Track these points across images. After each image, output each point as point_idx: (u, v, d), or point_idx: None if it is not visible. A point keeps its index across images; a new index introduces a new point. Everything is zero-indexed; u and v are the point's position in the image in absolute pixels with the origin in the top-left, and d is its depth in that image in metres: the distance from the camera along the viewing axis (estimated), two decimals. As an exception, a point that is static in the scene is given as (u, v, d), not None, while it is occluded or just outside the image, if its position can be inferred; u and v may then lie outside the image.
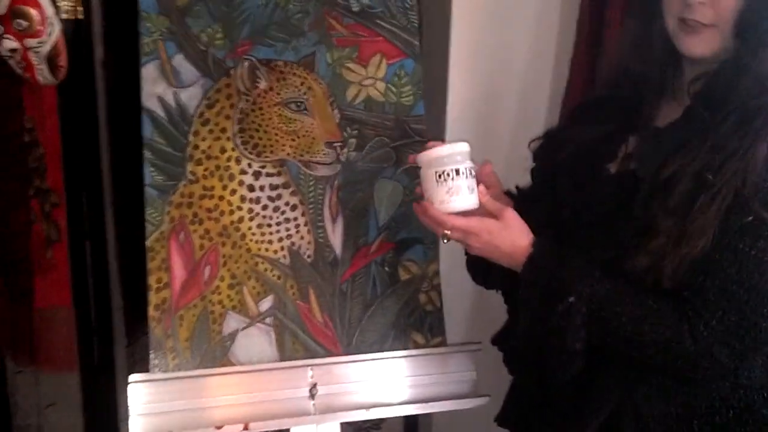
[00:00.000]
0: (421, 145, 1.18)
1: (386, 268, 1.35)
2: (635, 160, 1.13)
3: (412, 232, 1.37)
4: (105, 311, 1.58)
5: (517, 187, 1.33)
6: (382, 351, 1.31)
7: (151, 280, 1.25)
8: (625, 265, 1.06)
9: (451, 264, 1.40)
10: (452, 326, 1.37)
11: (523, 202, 1.26)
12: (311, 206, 1.33)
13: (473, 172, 1.11)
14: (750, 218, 0.99)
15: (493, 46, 1.78)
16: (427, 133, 1.41)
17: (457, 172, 1.09)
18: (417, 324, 1.34)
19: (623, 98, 1.22)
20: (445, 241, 1.12)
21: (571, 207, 1.18)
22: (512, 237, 1.10)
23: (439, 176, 1.09)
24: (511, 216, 1.11)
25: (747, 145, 1.01)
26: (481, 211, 1.11)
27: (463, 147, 1.11)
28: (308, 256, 1.32)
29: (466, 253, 1.25)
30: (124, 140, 1.46)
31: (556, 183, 1.21)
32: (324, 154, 1.35)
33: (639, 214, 1.07)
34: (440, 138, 1.58)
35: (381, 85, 1.40)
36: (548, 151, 1.27)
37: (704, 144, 1.05)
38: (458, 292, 1.54)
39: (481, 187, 1.11)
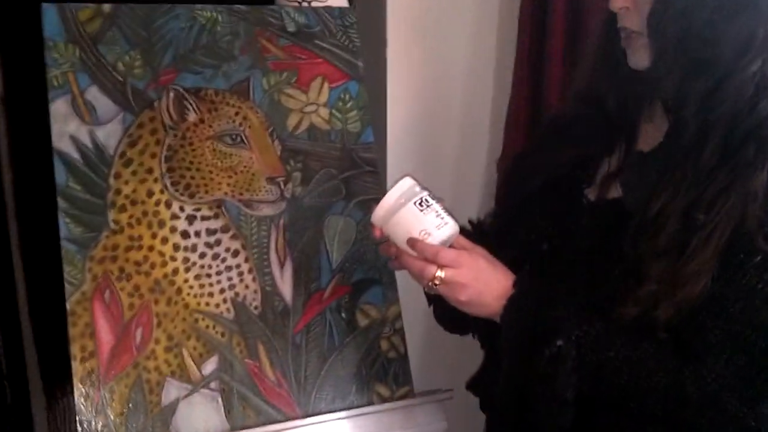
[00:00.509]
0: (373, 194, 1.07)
1: (343, 315, 1.21)
2: (622, 190, 1.02)
3: (369, 273, 1.24)
4: (21, 388, 1.39)
5: (471, 222, 1.22)
6: (344, 409, 1.17)
7: (75, 349, 1.07)
8: (612, 313, 0.96)
9: (412, 303, 1.27)
10: (419, 372, 1.24)
11: (483, 236, 1.14)
12: (255, 251, 1.18)
13: None
14: (758, 258, 0.89)
15: (431, 65, 1.67)
16: (382, 160, 1.29)
17: (430, 197, 1.00)
18: (380, 374, 1.21)
19: (595, 117, 1.12)
20: (436, 283, 0.98)
21: (549, 240, 1.07)
22: (498, 274, 0.98)
23: (420, 204, 0.98)
24: (483, 251, 1.00)
25: (742, 176, 0.91)
26: None
27: (408, 180, 1.02)
28: (255, 308, 1.17)
29: (431, 301, 1.13)
30: (32, 188, 1.28)
31: (530, 213, 1.10)
32: (266, 191, 1.20)
33: (628, 254, 0.96)
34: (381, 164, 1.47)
35: (324, 112, 1.27)
36: (518, 177, 1.17)
37: (686, 176, 0.95)
38: (423, 335, 1.41)
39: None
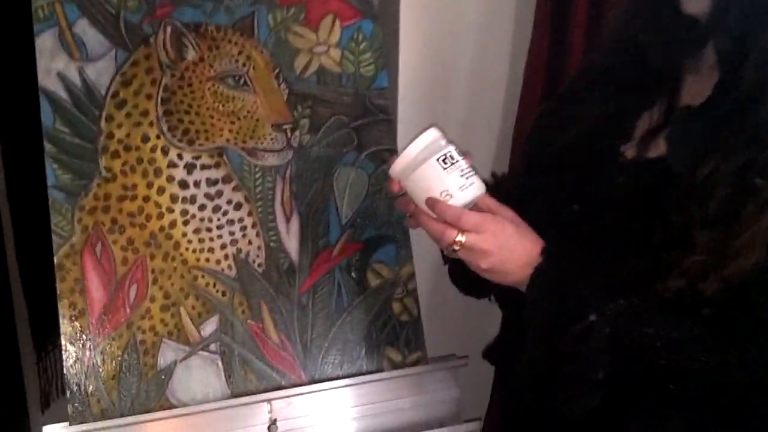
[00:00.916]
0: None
1: (352, 274, 1.13)
2: (667, 147, 0.92)
3: (381, 229, 1.15)
4: (9, 347, 1.31)
5: (493, 175, 1.12)
6: (352, 374, 1.09)
7: (63, 307, 0.99)
8: (651, 285, 0.87)
9: (427, 263, 1.19)
10: (433, 337, 1.16)
11: (506, 195, 1.05)
12: (259, 203, 1.09)
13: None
14: None
15: (448, 2, 1.55)
16: (393, 109, 1.19)
17: (456, 153, 0.90)
18: (391, 338, 1.13)
19: (633, 66, 1.01)
20: (455, 249, 0.89)
21: (580, 201, 0.97)
22: (525, 241, 0.90)
23: (444, 160, 0.88)
24: (511, 212, 0.91)
25: None
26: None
27: (434, 131, 0.92)
28: (258, 265, 1.08)
29: (446, 260, 1.04)
30: (18, 130, 1.18)
31: (559, 170, 1.01)
32: (271, 138, 1.11)
33: (672, 220, 0.87)
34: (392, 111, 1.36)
35: (335, 53, 1.16)
36: (545, 131, 1.06)
37: (741, 135, 0.85)
38: (438, 296, 1.33)
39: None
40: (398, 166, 0.92)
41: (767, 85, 0.85)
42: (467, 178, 0.89)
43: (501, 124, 1.56)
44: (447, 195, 0.89)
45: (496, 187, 1.08)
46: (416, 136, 0.91)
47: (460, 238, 0.88)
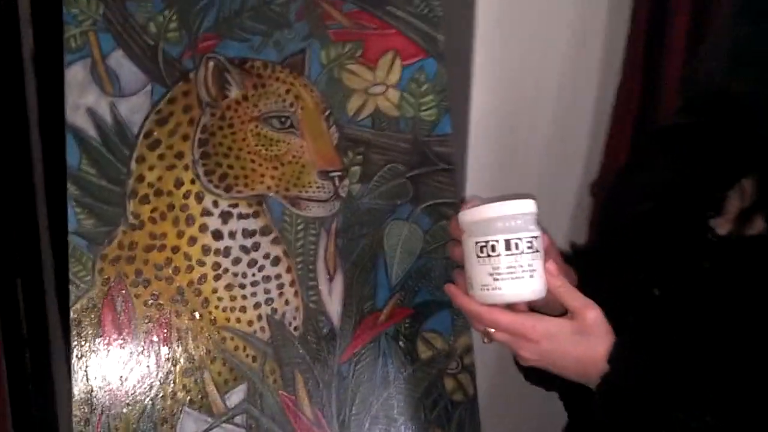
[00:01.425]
0: (462, 202, 0.83)
1: (401, 343, 1.00)
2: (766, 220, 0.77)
3: (436, 294, 1.02)
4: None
5: (572, 246, 0.98)
6: (396, 458, 0.96)
7: (77, 365, 0.89)
8: (755, 394, 0.71)
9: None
10: (490, 421, 1.01)
11: (585, 268, 0.91)
12: (300, 259, 0.98)
13: (539, 245, 0.75)
14: None
15: (527, 45, 1.42)
16: (456, 158, 1.06)
17: (510, 244, 0.73)
18: (442, 419, 0.99)
19: (721, 126, 0.86)
20: (485, 341, 0.77)
21: (662, 285, 0.82)
22: (589, 347, 0.75)
23: (482, 249, 0.74)
24: (595, 318, 0.76)
25: None
26: (544, 302, 0.77)
27: (526, 206, 0.75)
28: (295, 329, 0.96)
29: None
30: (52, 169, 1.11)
31: (636, 248, 0.86)
32: (317, 187, 1.00)
33: None
34: (457, 167, 1.22)
35: (394, 94, 1.05)
36: (621, 200, 0.92)
37: None
38: (499, 374, 1.18)
39: (551, 264, 0.76)
40: (468, 217, 0.78)
41: None
42: (497, 280, 0.74)
43: (583, 181, 1.41)
44: (469, 284, 0.76)
45: (575, 260, 0.94)
46: (509, 199, 0.77)
47: (491, 330, 0.76)
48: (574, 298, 0.77)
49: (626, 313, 0.82)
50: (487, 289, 0.75)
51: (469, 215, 0.77)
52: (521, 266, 0.74)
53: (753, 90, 0.82)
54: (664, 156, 0.92)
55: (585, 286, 0.83)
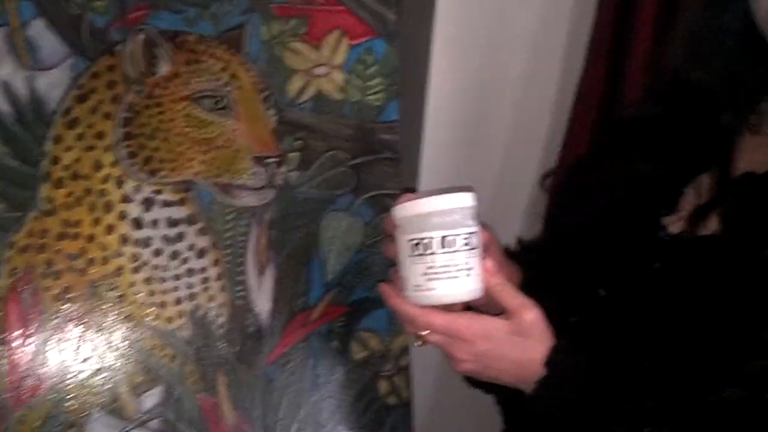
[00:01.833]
0: (399, 194, 0.77)
1: (333, 343, 0.94)
2: (723, 224, 0.72)
3: (374, 290, 0.96)
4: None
5: (519, 243, 0.93)
6: (323, 465, 0.91)
7: (-23, 363, 0.83)
8: (700, 398, 0.67)
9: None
10: (425, 426, 0.96)
11: (531, 265, 0.86)
12: (228, 251, 0.92)
13: (477, 242, 0.70)
14: None
15: (491, 27, 1.34)
16: (404, 146, 0.99)
17: (446, 241, 0.68)
18: (374, 424, 0.94)
19: (679, 121, 0.82)
20: (417, 344, 0.72)
21: (608, 285, 0.78)
22: (526, 349, 0.70)
23: (416, 246, 0.68)
24: (533, 319, 0.71)
25: None
26: (483, 301, 0.72)
27: (463, 200, 0.69)
28: (219, 326, 0.90)
29: None
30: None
31: (585, 246, 0.81)
32: (251, 174, 0.93)
33: (731, 313, 0.67)
34: (412, 157, 1.15)
35: (339, 76, 0.98)
36: (573, 196, 0.87)
37: None
38: (435, 377, 1.13)
39: (488, 262, 0.71)
40: (401, 212, 0.72)
41: None
42: (431, 279, 0.69)
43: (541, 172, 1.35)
44: (416, 288, 0.71)
45: (521, 256, 0.89)
46: (445, 192, 0.71)
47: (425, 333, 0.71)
48: (512, 297, 0.73)
49: (570, 313, 0.79)
50: (421, 290, 0.70)
51: (402, 210, 0.71)
52: (457, 265, 0.69)
53: (711, 80, 0.78)
54: (619, 150, 0.88)
55: (530, 284, 0.79)
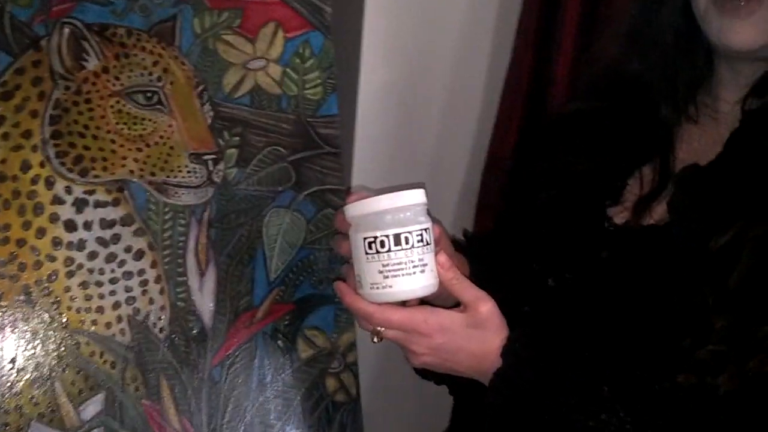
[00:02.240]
0: (348, 191, 0.77)
1: (279, 342, 0.93)
2: (670, 214, 0.74)
3: (319, 287, 0.95)
4: None
5: (465, 234, 0.94)
6: (272, 468, 0.89)
7: None
8: (647, 384, 0.69)
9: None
10: (374, 422, 0.96)
11: (478, 257, 0.87)
12: (167, 252, 0.89)
13: (430, 238, 0.70)
14: None
15: (418, 23, 1.34)
16: (342, 141, 0.98)
17: (400, 238, 0.68)
18: (323, 423, 0.93)
19: (620, 114, 0.84)
20: (375, 340, 0.71)
21: (556, 275, 0.79)
22: (483, 341, 0.71)
23: (370, 245, 0.68)
24: (488, 310, 0.71)
25: None
26: (436, 294, 0.72)
27: (415, 196, 0.70)
28: (160, 330, 0.88)
29: None
30: None
31: (533, 237, 0.82)
32: (188, 171, 0.90)
33: (676, 302, 0.69)
34: (344, 151, 1.13)
35: (276, 70, 0.96)
36: (519, 189, 0.88)
37: (764, 201, 0.69)
38: (383, 372, 1.13)
39: (442, 257, 0.71)
40: (354, 211, 0.72)
41: None
42: (387, 277, 0.69)
43: (470, 164, 1.36)
44: (358, 282, 0.71)
45: (468, 248, 0.90)
46: (398, 189, 0.71)
47: (381, 329, 0.71)
48: (466, 290, 0.74)
49: (521, 303, 0.80)
50: (378, 288, 0.70)
51: (355, 209, 0.71)
52: (412, 261, 0.69)
53: (649, 73, 0.81)
54: (564, 143, 0.89)
55: (478, 275, 0.80)
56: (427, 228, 0.70)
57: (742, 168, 0.72)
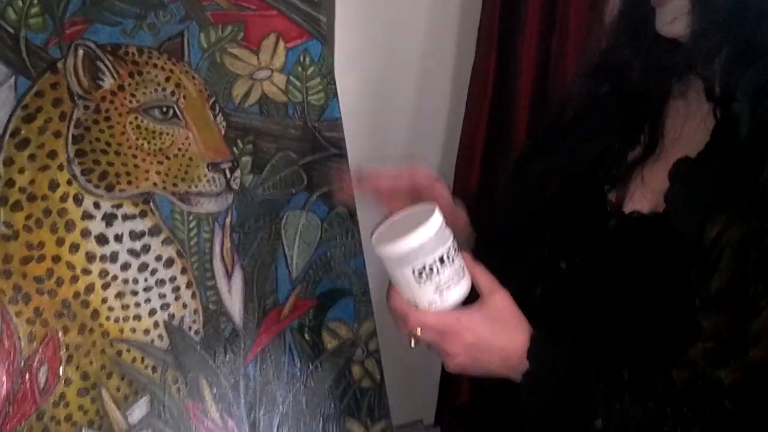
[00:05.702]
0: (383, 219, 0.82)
1: (306, 336, 0.97)
2: (667, 206, 0.79)
3: (337, 281, 1.00)
4: None
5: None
6: (309, 454, 0.94)
7: (-48, 398, 0.80)
8: (660, 373, 0.75)
9: (388, 316, 1.04)
10: (398, 402, 1.02)
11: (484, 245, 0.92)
12: (195, 258, 0.93)
13: (455, 242, 0.77)
14: None
15: (386, 23, 1.41)
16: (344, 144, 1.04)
17: (444, 258, 0.75)
18: (352, 408, 0.98)
19: (614, 97, 0.90)
20: (413, 345, 0.77)
21: (567, 258, 0.84)
22: (507, 334, 0.76)
23: (420, 274, 0.74)
24: (502, 300, 0.77)
25: None
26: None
27: (437, 217, 0.75)
28: (195, 332, 0.92)
29: None
30: None
31: (544, 224, 0.87)
32: (207, 180, 0.94)
33: (677, 296, 0.74)
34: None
35: (280, 79, 1.01)
36: (523, 187, 0.93)
37: (744, 196, 0.72)
38: (402, 355, 1.18)
39: (465, 253, 0.77)
40: (394, 250, 0.75)
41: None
42: (441, 293, 0.75)
43: (443, 165, 1.43)
44: (413, 303, 0.77)
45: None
46: (412, 211, 0.78)
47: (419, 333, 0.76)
48: (481, 276, 0.78)
49: (533, 285, 0.84)
50: (436, 305, 0.75)
51: (394, 248, 0.75)
52: (457, 272, 0.76)
53: (632, 62, 0.85)
54: (563, 133, 0.94)
55: (485, 259, 0.83)
56: (453, 236, 0.76)
57: (723, 163, 0.75)
